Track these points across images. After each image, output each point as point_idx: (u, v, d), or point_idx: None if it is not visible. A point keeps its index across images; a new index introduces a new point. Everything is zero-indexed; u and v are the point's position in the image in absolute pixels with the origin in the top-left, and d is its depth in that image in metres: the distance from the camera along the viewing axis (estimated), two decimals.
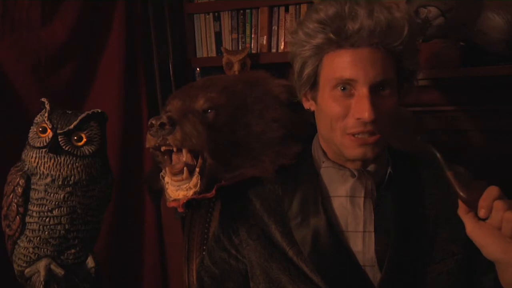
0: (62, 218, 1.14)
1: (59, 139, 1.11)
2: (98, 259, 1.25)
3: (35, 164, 1.12)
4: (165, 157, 1.04)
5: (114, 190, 1.25)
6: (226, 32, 2.08)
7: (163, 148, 1.02)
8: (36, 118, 1.16)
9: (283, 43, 1.98)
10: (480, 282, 1.02)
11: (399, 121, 1.00)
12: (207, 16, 2.11)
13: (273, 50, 2.01)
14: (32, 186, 1.14)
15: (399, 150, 1.07)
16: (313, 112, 1.07)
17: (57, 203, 1.13)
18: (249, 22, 2.03)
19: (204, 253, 1.33)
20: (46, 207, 1.13)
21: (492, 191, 0.82)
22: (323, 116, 1.01)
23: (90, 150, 1.14)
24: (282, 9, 1.98)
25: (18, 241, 1.18)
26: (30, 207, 1.14)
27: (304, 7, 1.91)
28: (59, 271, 1.17)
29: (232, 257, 1.10)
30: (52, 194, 1.13)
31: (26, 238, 1.17)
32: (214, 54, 2.11)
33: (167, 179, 1.03)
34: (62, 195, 1.12)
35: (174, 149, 1.02)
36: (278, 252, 1.03)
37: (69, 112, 1.15)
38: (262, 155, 1.07)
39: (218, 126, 1.06)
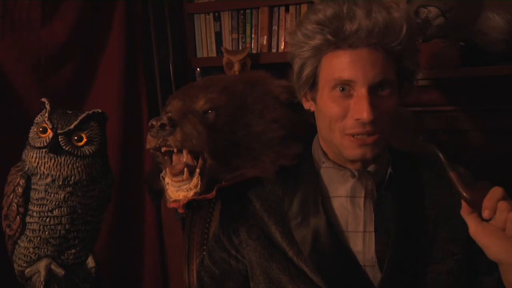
0: (63, 218, 1.14)
1: (60, 139, 1.11)
2: (98, 259, 1.25)
3: (36, 164, 1.12)
4: (166, 157, 1.05)
5: (114, 190, 1.25)
6: (226, 32, 2.08)
7: (163, 149, 1.02)
8: (36, 118, 1.16)
9: (283, 43, 1.98)
10: (480, 282, 1.02)
11: (399, 121, 1.00)
12: (207, 16, 2.11)
13: (273, 50, 2.01)
14: (33, 186, 1.14)
15: (399, 150, 1.07)
16: (313, 113, 1.07)
17: (57, 203, 1.13)
18: (249, 22, 2.03)
19: (204, 253, 1.33)
20: (47, 207, 1.13)
21: (496, 191, 0.82)
22: (323, 117, 1.01)
23: (90, 150, 1.14)
24: (282, 9, 1.97)
25: (19, 241, 1.18)
26: (30, 207, 1.14)
27: (304, 7, 1.91)
28: (60, 271, 1.17)
29: (232, 257, 1.10)
30: (52, 194, 1.13)
31: (27, 238, 1.17)
32: (214, 54, 2.11)
33: (167, 179, 1.03)
34: (62, 195, 1.13)
35: (175, 150, 1.02)
36: (278, 252, 1.03)
37: (69, 112, 1.15)
38: (262, 156, 1.07)
39: (219, 127, 1.06)
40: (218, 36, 2.10)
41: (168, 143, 0.99)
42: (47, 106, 1.14)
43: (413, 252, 1.00)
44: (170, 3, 2.07)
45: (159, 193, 1.11)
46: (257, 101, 1.11)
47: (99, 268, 1.24)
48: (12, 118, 1.64)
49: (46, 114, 1.13)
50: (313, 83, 1.02)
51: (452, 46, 1.46)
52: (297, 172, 1.07)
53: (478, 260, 0.96)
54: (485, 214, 0.82)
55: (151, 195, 1.28)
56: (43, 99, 1.15)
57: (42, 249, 1.17)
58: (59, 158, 1.12)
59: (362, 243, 0.99)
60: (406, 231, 1.01)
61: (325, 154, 1.06)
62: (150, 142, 1.01)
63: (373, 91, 0.95)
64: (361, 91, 0.94)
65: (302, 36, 0.99)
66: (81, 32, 1.81)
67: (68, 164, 1.12)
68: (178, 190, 1.01)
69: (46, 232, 1.15)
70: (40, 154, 1.12)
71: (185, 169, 1.01)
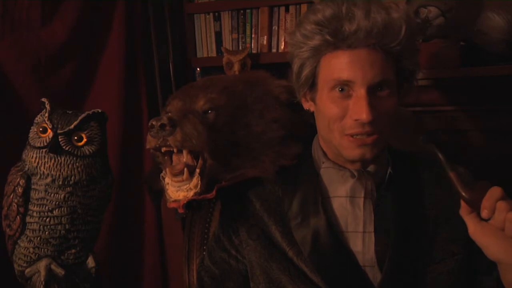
0: (63, 218, 1.14)
1: (60, 139, 1.12)
2: (98, 259, 1.25)
3: (36, 164, 1.12)
4: (166, 158, 1.05)
5: (114, 190, 1.25)
6: (226, 32, 2.08)
7: (163, 149, 1.02)
8: (36, 118, 1.16)
9: (283, 43, 1.98)
10: (480, 282, 1.02)
11: (399, 121, 1.00)
12: (207, 16, 2.11)
13: (273, 50, 2.01)
14: (33, 186, 1.14)
15: (399, 150, 1.07)
16: (312, 113, 1.07)
17: (57, 203, 1.13)
18: (249, 22, 2.03)
19: (204, 253, 1.33)
20: (47, 207, 1.13)
21: (495, 191, 0.82)
22: (322, 117, 1.01)
23: (91, 150, 1.14)
24: (283, 9, 1.98)
25: (19, 241, 1.18)
26: (30, 207, 1.14)
27: (304, 7, 1.91)
28: (60, 271, 1.17)
29: (232, 257, 1.10)
30: (52, 194, 1.13)
31: (27, 238, 1.17)
32: (214, 54, 2.11)
33: (167, 180, 1.03)
34: (62, 195, 1.13)
35: (175, 150, 1.02)
36: (278, 252, 1.03)
37: (69, 112, 1.15)
38: (262, 156, 1.07)
39: (218, 127, 1.06)
40: (218, 36, 2.10)
41: (168, 143, 0.99)
42: (47, 106, 1.14)
43: (413, 252, 1.00)
44: (170, 3, 2.07)
45: (159, 193, 1.11)
46: (257, 101, 1.11)
47: (99, 268, 1.24)
48: (12, 118, 1.64)
49: (46, 114, 1.13)
50: (312, 84, 1.02)
51: (452, 46, 1.46)
52: (297, 172, 1.07)
53: (478, 260, 0.96)
54: (484, 214, 0.82)
55: (151, 195, 1.28)
56: (43, 99, 1.15)
57: (42, 249, 1.17)
58: (59, 158, 1.12)
59: (361, 243, 0.99)
60: (406, 231, 1.01)
61: (325, 154, 1.06)
62: (150, 142, 1.01)
63: (372, 91, 0.95)
64: (360, 92, 0.94)
65: (301, 36, 0.99)
66: (81, 32, 1.81)
67: (68, 164, 1.12)
68: (178, 190, 1.02)
69: (46, 232, 1.15)
70: (40, 154, 1.12)
71: (185, 169, 1.01)
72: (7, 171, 1.19)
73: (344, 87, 0.96)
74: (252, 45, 2.03)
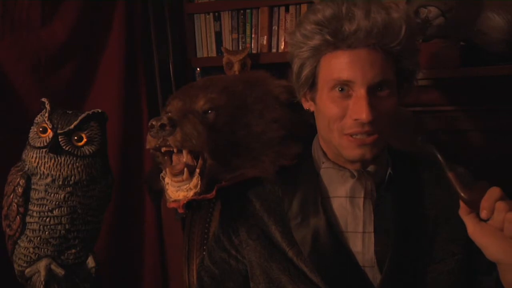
0: (63, 218, 1.14)
1: (60, 139, 1.12)
2: (98, 259, 1.25)
3: (36, 164, 1.12)
4: (166, 158, 1.05)
5: (114, 190, 1.25)
6: (226, 32, 2.08)
7: (163, 149, 1.02)
8: (36, 118, 1.16)
9: (283, 43, 1.98)
10: (480, 282, 1.02)
11: (399, 121, 1.00)
12: (207, 16, 2.11)
13: (273, 50, 2.01)
14: (33, 186, 1.14)
15: (399, 150, 1.07)
16: (312, 113, 1.07)
17: (57, 203, 1.13)
18: (249, 22, 2.03)
19: (204, 253, 1.33)
20: (47, 207, 1.13)
21: (494, 192, 0.82)
22: (322, 117, 1.01)
23: (91, 150, 1.14)
24: (283, 9, 1.98)
25: (19, 241, 1.18)
26: (30, 207, 1.15)
27: (304, 7, 1.91)
28: (60, 271, 1.17)
29: (232, 257, 1.10)
30: (52, 194, 1.13)
31: (27, 238, 1.17)
32: (214, 54, 2.11)
33: (167, 180, 1.03)
34: (62, 195, 1.13)
35: (175, 150, 1.02)
36: (278, 252, 1.03)
37: (69, 112, 1.15)
38: (262, 155, 1.07)
39: (218, 127, 1.06)
40: (218, 36, 2.10)
41: (168, 143, 0.99)
42: (47, 106, 1.14)
43: (413, 253, 1.00)
44: (170, 3, 2.07)
45: (159, 193, 1.11)
46: (257, 101, 1.11)
47: (99, 268, 1.25)
48: (12, 118, 1.64)
49: (46, 114, 1.13)
50: (312, 83, 1.02)
51: (452, 46, 1.46)
52: (297, 172, 1.07)
53: (478, 260, 0.96)
54: (483, 214, 0.82)
55: (151, 195, 1.28)
56: (43, 99, 1.15)
57: (42, 249, 1.17)
58: (59, 158, 1.12)
59: (361, 244, 0.99)
60: (406, 231, 1.01)
61: (325, 154, 1.06)
62: (150, 142, 1.01)
63: (372, 91, 0.95)
64: (360, 92, 0.94)
65: (301, 36, 0.99)
66: (81, 32, 1.81)
67: (68, 164, 1.12)
68: (178, 190, 1.02)
69: (46, 232, 1.15)
70: (40, 154, 1.12)
71: (185, 169, 1.01)
72: (7, 171, 1.19)
73: (344, 87, 0.96)
74: (252, 45, 2.03)
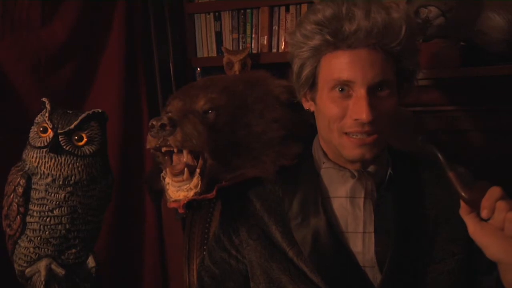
0: (63, 218, 1.14)
1: (60, 139, 1.12)
2: (98, 259, 1.25)
3: (36, 164, 1.12)
4: (166, 158, 1.05)
5: (114, 190, 1.25)
6: (227, 32, 2.08)
7: (163, 149, 1.02)
8: (36, 118, 1.16)
9: (283, 43, 1.98)
10: (480, 282, 1.02)
11: (399, 121, 1.00)
12: (208, 16, 2.11)
13: (274, 50, 2.01)
14: (33, 186, 1.14)
15: (399, 150, 1.07)
16: (313, 113, 1.07)
17: (57, 203, 1.13)
18: (249, 22, 2.03)
19: (204, 253, 1.33)
20: (47, 207, 1.13)
21: (495, 191, 0.82)
22: (322, 117, 1.01)
23: (91, 150, 1.14)
24: (283, 9, 1.98)
25: (19, 241, 1.18)
26: (30, 207, 1.15)
27: (304, 7, 1.91)
28: (60, 271, 1.17)
29: (232, 257, 1.10)
30: (52, 194, 1.13)
31: (27, 238, 1.17)
32: (214, 54, 2.11)
33: (167, 180, 1.03)
34: (62, 195, 1.13)
35: (175, 150, 1.02)
36: (278, 252, 1.03)
37: (70, 112, 1.15)
38: (263, 155, 1.07)
39: (219, 127, 1.06)
40: (219, 36, 2.10)
41: (168, 143, 0.99)
42: (47, 106, 1.14)
43: (413, 253, 1.00)
44: (170, 3, 2.07)
45: (159, 193, 1.11)
46: (257, 101, 1.11)
47: (99, 268, 1.24)
48: (12, 118, 1.64)
49: (47, 114, 1.13)
50: (312, 83, 1.02)
51: (452, 46, 1.46)
52: (297, 172, 1.07)
53: (478, 259, 0.96)
54: (484, 213, 0.82)
55: (151, 195, 1.28)
56: (43, 99, 1.15)
57: (43, 249, 1.17)
58: (59, 158, 1.12)
59: (361, 244, 0.99)
60: (406, 231, 1.01)
61: (325, 154, 1.06)
62: (151, 142, 1.01)
63: (372, 91, 0.95)
64: (360, 92, 0.94)
65: (301, 36, 0.99)
66: (81, 32, 1.81)
67: (69, 164, 1.12)
68: (179, 190, 1.02)
69: (47, 232, 1.15)
70: (41, 154, 1.12)
71: (185, 169, 1.01)
72: (7, 171, 1.19)
73: (344, 87, 0.96)
74: (253, 45, 2.03)
